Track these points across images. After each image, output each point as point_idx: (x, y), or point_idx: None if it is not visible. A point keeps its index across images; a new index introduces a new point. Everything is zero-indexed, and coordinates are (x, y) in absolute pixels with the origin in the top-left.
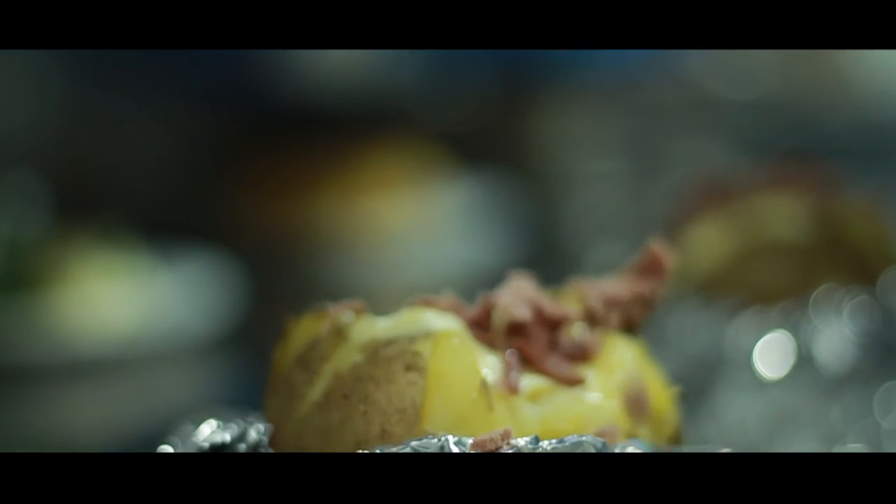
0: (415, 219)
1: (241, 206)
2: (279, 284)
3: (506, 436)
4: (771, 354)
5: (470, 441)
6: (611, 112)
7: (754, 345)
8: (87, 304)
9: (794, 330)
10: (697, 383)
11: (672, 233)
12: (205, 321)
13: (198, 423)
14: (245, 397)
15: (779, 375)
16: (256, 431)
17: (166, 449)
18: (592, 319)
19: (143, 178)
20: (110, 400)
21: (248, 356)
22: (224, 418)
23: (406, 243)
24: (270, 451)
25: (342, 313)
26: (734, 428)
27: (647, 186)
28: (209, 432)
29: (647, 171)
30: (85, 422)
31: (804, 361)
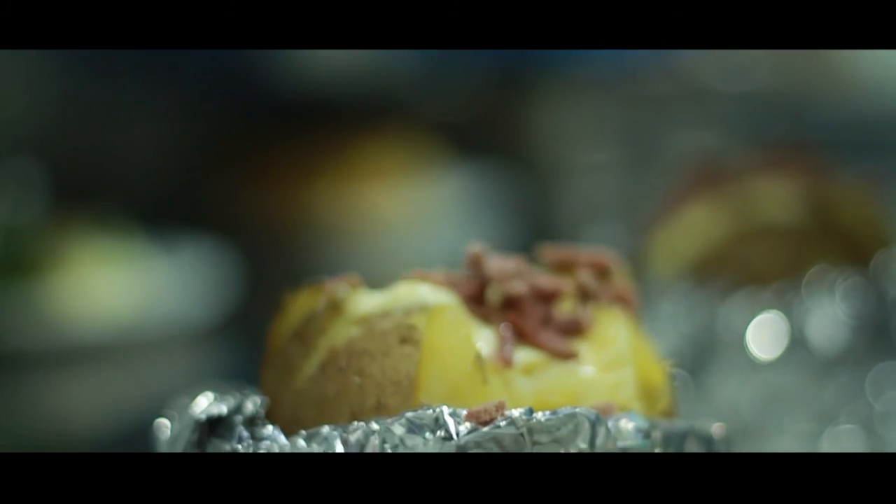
0: (411, 208)
1: (239, 193)
2: (275, 272)
3: (500, 407)
4: (764, 335)
5: (464, 412)
6: (606, 103)
7: (747, 325)
8: (84, 290)
9: (787, 311)
10: (690, 363)
11: (666, 215)
12: (201, 308)
13: (194, 396)
14: (241, 383)
15: (771, 356)
16: (253, 404)
17: (163, 422)
18: (584, 294)
19: (141, 166)
20: (107, 385)
21: (244, 342)
22: (221, 391)
23: (402, 232)
24: (267, 423)
25: (338, 287)
26: (727, 408)
27: (642, 177)
28: (206, 404)
29: (642, 161)
30: (82, 407)
31: (797, 342)
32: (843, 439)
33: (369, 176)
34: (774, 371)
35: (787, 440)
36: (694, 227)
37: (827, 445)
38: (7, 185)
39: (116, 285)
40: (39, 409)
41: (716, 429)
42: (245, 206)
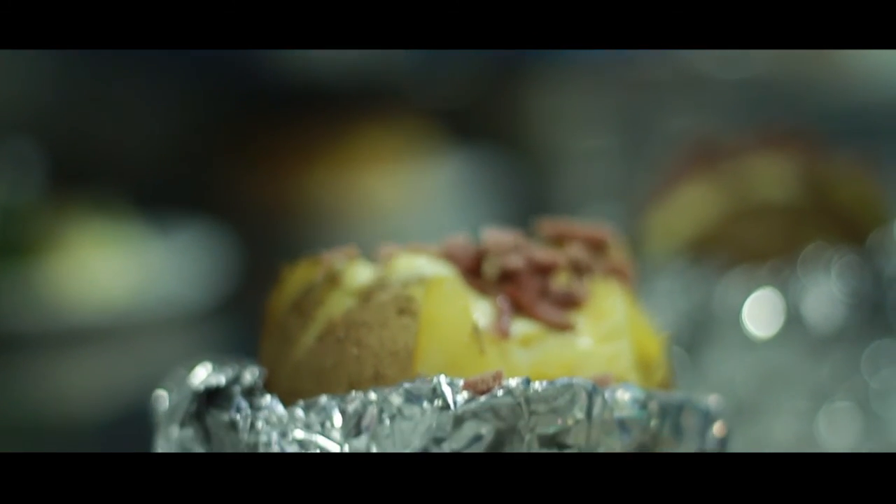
0: (407, 193)
1: (236, 177)
2: (272, 255)
3: (497, 377)
4: (760, 313)
5: (461, 382)
6: (602, 89)
7: (743, 303)
8: (81, 272)
9: (783, 289)
10: (687, 341)
11: (662, 194)
12: (198, 290)
13: (192, 367)
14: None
15: (768, 334)
16: (251, 374)
17: (161, 394)
18: (576, 267)
19: (139, 148)
20: (104, 368)
21: (240, 325)
22: (219, 363)
23: (398, 217)
24: (266, 393)
25: (336, 259)
26: (723, 385)
27: (638, 163)
28: (205, 375)
29: (639, 147)
30: (78, 389)
31: (793, 320)
32: (839, 417)
33: (366, 161)
34: (771, 349)
35: (783, 418)
36: (690, 207)
37: (823, 423)
38: (5, 166)
39: (113, 267)
40: (36, 391)
41: (712, 401)
42: (242, 189)
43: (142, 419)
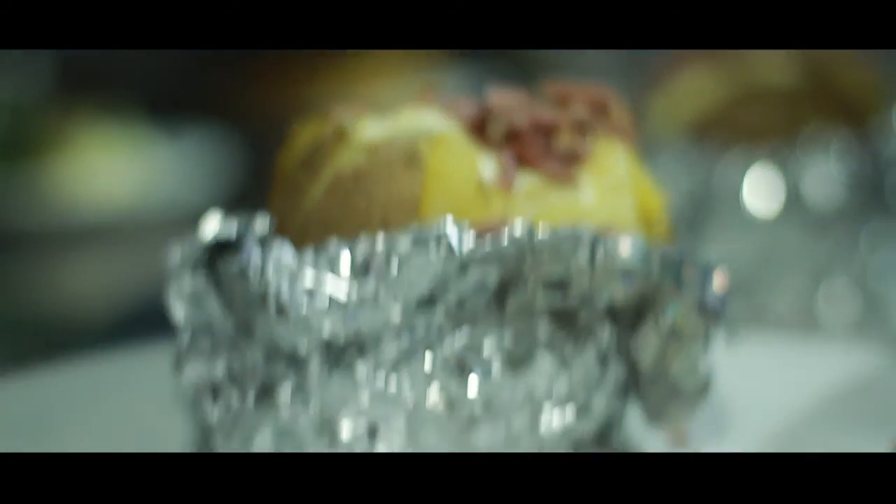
0: (411, 102)
1: (245, 85)
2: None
3: (503, 222)
4: (760, 192)
5: (467, 223)
6: None
7: (744, 183)
8: (87, 173)
9: (783, 168)
10: (688, 220)
11: (663, 80)
12: (203, 193)
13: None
14: None
15: (768, 213)
16: (261, 223)
17: (173, 250)
18: (580, 127)
19: (147, 51)
20: (107, 268)
21: None
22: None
23: None
24: (276, 239)
25: (344, 116)
26: (724, 263)
27: (637, 77)
28: (215, 225)
29: (637, 59)
30: (82, 289)
31: (793, 199)
32: (838, 293)
33: (372, 73)
34: (771, 227)
35: (783, 294)
36: (691, 91)
37: (822, 299)
38: (14, 67)
39: (119, 169)
40: (41, 289)
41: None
42: (250, 97)
43: (146, 319)
